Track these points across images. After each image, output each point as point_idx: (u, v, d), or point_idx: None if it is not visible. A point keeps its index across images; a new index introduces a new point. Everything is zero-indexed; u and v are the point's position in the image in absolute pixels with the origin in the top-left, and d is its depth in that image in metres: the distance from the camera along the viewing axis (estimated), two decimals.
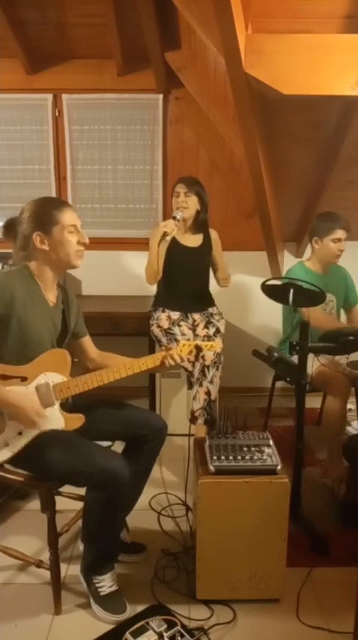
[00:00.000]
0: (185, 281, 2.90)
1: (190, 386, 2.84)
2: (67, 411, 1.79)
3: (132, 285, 3.52)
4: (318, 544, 2.08)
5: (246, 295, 3.63)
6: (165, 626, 1.62)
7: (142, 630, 1.61)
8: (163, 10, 2.84)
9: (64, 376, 1.78)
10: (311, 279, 2.44)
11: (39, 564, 1.82)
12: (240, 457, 1.80)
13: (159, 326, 2.83)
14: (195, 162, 3.55)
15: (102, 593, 1.78)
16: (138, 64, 3.33)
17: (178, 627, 1.63)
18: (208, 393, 2.61)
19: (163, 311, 2.88)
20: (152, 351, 3.07)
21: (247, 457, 1.80)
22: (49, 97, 3.47)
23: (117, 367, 1.82)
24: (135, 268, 3.40)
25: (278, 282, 2.36)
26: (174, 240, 2.73)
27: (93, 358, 2.02)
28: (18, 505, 2.38)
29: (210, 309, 2.96)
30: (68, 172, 3.58)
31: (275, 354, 2.46)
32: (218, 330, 2.82)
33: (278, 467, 1.78)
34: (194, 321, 2.88)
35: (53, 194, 3.58)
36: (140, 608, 1.78)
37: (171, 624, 1.64)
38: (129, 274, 3.59)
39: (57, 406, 1.77)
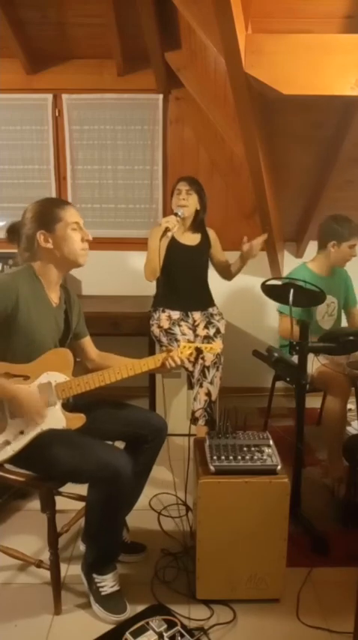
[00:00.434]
0: (184, 279, 2.90)
1: (190, 386, 2.84)
2: (67, 411, 1.80)
3: (132, 285, 3.52)
4: (318, 544, 2.08)
5: (246, 295, 3.63)
6: (165, 626, 1.62)
7: (142, 630, 1.61)
8: (163, 10, 2.84)
9: (66, 376, 1.79)
10: (315, 280, 2.44)
11: (39, 564, 1.82)
12: (240, 457, 1.80)
13: (159, 326, 2.83)
14: (195, 162, 3.55)
15: (103, 593, 1.78)
16: (138, 64, 3.33)
17: (178, 627, 1.63)
18: (208, 394, 2.61)
19: (163, 311, 2.88)
20: (152, 351, 3.07)
21: (247, 457, 1.80)
22: (49, 97, 3.47)
23: (118, 368, 1.82)
24: (135, 268, 3.40)
25: (278, 282, 2.36)
26: (172, 238, 2.73)
27: (93, 359, 2.02)
28: (18, 505, 2.38)
29: (211, 310, 2.96)
30: (68, 172, 3.58)
31: (275, 354, 2.46)
32: (218, 331, 2.82)
33: (278, 467, 1.78)
34: (194, 321, 2.88)
35: (53, 194, 3.58)
36: (140, 608, 1.78)
37: (171, 624, 1.64)
38: (129, 274, 3.59)
39: (58, 406, 1.77)
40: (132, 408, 1.98)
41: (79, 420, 1.79)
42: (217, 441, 1.89)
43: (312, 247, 2.85)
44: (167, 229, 2.54)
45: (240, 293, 3.61)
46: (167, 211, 3.55)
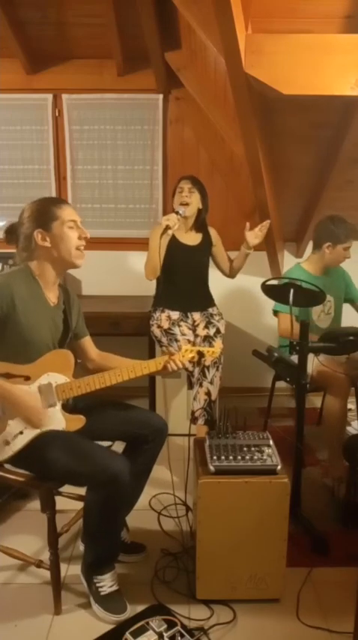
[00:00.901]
0: (184, 279, 2.89)
1: (190, 386, 2.84)
2: (67, 412, 1.80)
3: (132, 285, 3.52)
4: (318, 544, 2.08)
5: (246, 295, 3.63)
6: (165, 626, 1.62)
7: (142, 630, 1.61)
8: (163, 10, 2.84)
9: (66, 377, 1.79)
10: (310, 280, 2.43)
11: (39, 564, 1.82)
12: (240, 457, 1.80)
13: (159, 326, 2.82)
14: (195, 162, 3.55)
15: (102, 593, 1.78)
16: (138, 64, 3.33)
17: (178, 627, 1.63)
18: (208, 394, 2.61)
19: (163, 311, 2.87)
20: (152, 350, 3.07)
21: (247, 457, 1.80)
22: (49, 97, 3.48)
23: (119, 370, 1.82)
24: (135, 268, 3.40)
25: (278, 282, 2.36)
26: (173, 238, 2.73)
27: (93, 359, 2.02)
28: (18, 505, 2.38)
29: (210, 310, 2.96)
30: (68, 172, 3.58)
31: (275, 354, 2.45)
32: (218, 331, 2.82)
33: (278, 467, 1.78)
34: (194, 321, 2.88)
35: (53, 194, 3.59)
36: (140, 608, 1.78)
37: (171, 624, 1.64)
38: (129, 274, 3.59)
39: (58, 407, 1.77)
40: (133, 408, 1.98)
41: (78, 421, 1.79)
42: (217, 441, 1.89)
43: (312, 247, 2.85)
44: (167, 227, 2.53)
45: (239, 293, 3.61)
46: (167, 211, 3.55)
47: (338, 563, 2.02)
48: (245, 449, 1.84)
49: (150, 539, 2.12)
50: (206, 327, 2.82)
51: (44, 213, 1.75)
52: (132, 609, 1.77)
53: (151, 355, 3.06)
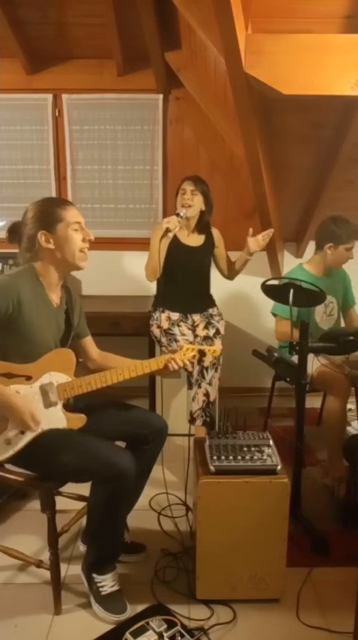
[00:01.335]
0: (185, 280, 2.89)
1: (190, 386, 2.84)
2: (68, 411, 1.80)
3: (132, 285, 3.52)
4: (318, 544, 2.08)
5: (245, 295, 3.63)
6: (165, 626, 1.62)
7: (142, 630, 1.61)
8: (163, 10, 2.84)
9: (68, 376, 1.79)
10: (312, 281, 2.43)
11: (39, 564, 1.82)
12: (240, 457, 1.80)
13: (158, 326, 2.82)
14: (195, 162, 3.55)
15: (103, 593, 1.78)
16: (138, 64, 3.33)
17: (178, 627, 1.63)
18: (207, 395, 2.61)
19: (163, 311, 2.87)
20: (152, 350, 3.07)
21: (247, 457, 1.80)
22: (49, 97, 3.48)
23: (121, 369, 1.82)
24: (136, 268, 3.39)
25: (278, 282, 2.36)
26: (175, 239, 2.72)
27: (94, 358, 2.03)
28: (18, 505, 2.38)
29: (210, 310, 2.96)
30: (68, 172, 3.58)
31: (275, 354, 2.46)
32: (218, 331, 2.81)
33: (278, 467, 1.78)
34: (194, 321, 2.88)
35: (53, 194, 3.58)
36: (140, 608, 1.78)
37: (171, 624, 1.64)
38: (129, 274, 3.59)
39: (60, 406, 1.77)
40: (133, 408, 1.98)
41: (79, 420, 1.79)
42: (217, 441, 1.89)
43: (312, 247, 2.84)
44: (168, 230, 2.53)
45: (239, 293, 3.61)
46: (167, 211, 3.56)
47: (338, 563, 2.02)
48: (245, 449, 1.84)
49: (150, 539, 2.12)
50: (206, 327, 2.81)
51: (48, 214, 1.74)
52: (132, 609, 1.77)
53: (151, 355, 3.06)
